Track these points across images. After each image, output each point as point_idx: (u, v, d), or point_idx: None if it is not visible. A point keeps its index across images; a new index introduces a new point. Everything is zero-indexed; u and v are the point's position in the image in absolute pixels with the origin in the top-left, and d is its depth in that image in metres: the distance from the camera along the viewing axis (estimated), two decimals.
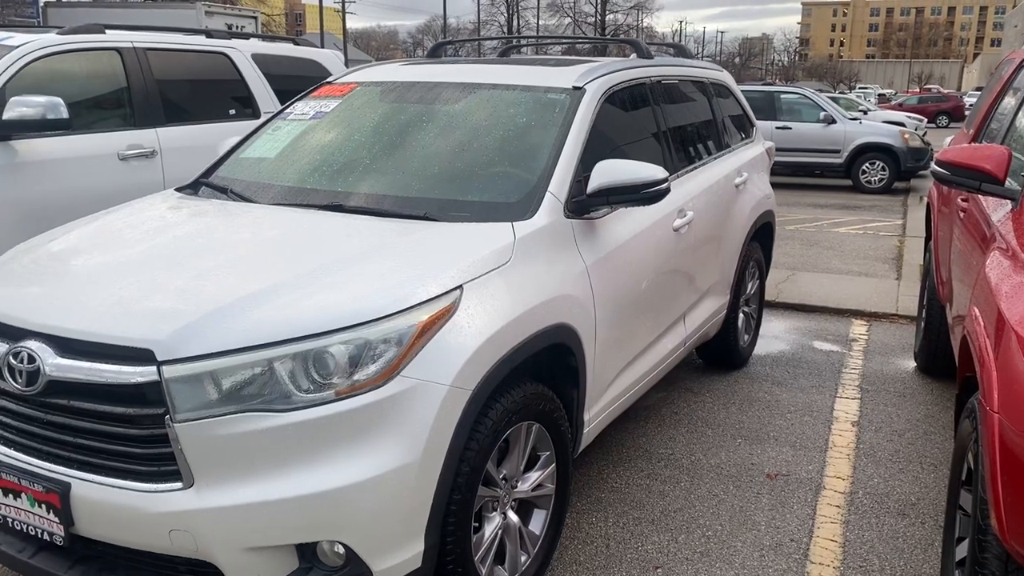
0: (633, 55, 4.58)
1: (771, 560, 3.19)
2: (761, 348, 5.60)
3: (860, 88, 60.65)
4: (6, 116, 4.75)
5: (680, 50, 5.28)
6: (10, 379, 2.37)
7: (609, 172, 3.15)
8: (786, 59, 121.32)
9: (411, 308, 2.40)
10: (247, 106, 6.45)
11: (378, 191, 3.22)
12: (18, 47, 5.05)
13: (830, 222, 11.03)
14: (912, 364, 5.36)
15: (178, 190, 3.67)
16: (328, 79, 4.19)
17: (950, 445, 4.15)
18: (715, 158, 4.66)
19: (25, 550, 2.43)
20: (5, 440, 2.45)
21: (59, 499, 2.29)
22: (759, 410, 4.59)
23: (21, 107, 4.76)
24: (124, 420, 2.26)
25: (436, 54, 4.65)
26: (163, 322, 2.29)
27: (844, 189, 14.63)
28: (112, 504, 2.26)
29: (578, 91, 3.53)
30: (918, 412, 4.59)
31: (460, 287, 2.55)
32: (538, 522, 2.97)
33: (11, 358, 2.36)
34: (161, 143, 5.67)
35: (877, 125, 15.47)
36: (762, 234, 5.28)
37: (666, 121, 4.15)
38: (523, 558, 2.90)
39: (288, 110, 4.01)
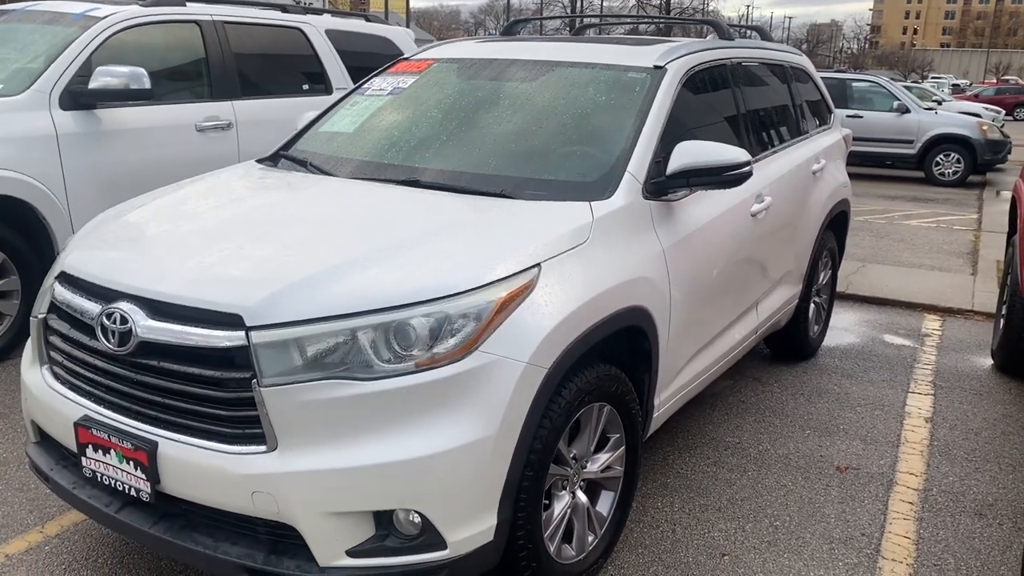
0: (712, 36, 4.50)
1: (841, 553, 3.14)
2: (830, 340, 5.49)
3: (933, 78, 58.88)
4: (92, 85, 4.87)
5: (762, 33, 5.18)
6: (103, 339, 2.44)
7: (690, 153, 3.11)
8: (855, 46, 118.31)
9: (490, 284, 2.41)
10: (319, 81, 6.52)
11: (455, 167, 3.23)
12: (104, 18, 5.18)
13: (901, 214, 10.76)
14: (989, 362, 5.21)
15: (259, 161, 3.73)
16: (405, 55, 4.21)
17: (1012, 442, 4.04)
18: (793, 143, 4.57)
19: (112, 504, 2.51)
20: (96, 398, 2.53)
21: (147, 457, 2.36)
22: (828, 402, 4.51)
23: (106, 77, 4.88)
24: (211, 383, 2.31)
25: (512, 32, 4.63)
26: (252, 289, 2.33)
27: (915, 181, 14.24)
28: (197, 464, 2.32)
29: (659, 71, 3.48)
30: (996, 411, 4.46)
31: (538, 265, 2.55)
32: (606, 503, 2.97)
33: (104, 318, 2.43)
34: (237, 116, 5.77)
35: (953, 115, 15.01)
36: (837, 223, 5.17)
37: (745, 104, 4.08)
38: (590, 538, 2.90)
39: (366, 86, 4.03)
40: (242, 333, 2.27)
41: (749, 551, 3.14)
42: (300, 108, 6.17)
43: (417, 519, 2.31)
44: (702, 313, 3.44)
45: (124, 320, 2.39)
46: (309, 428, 2.25)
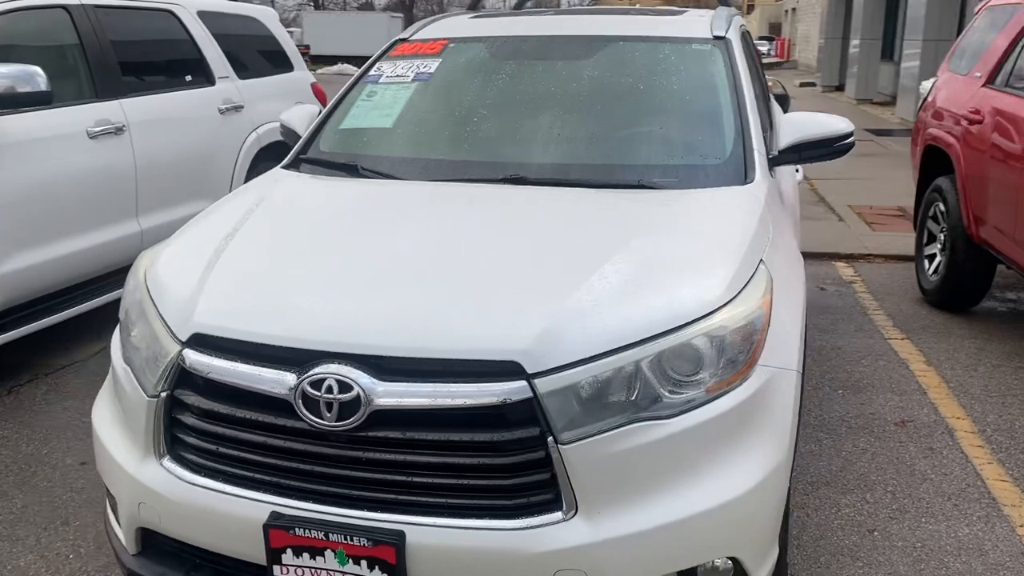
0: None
1: (967, 507, 3.20)
2: None
3: None
4: None
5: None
6: (310, 415, 1.91)
7: (800, 126, 3.00)
8: None
9: (747, 288, 2.15)
10: (200, 71, 5.70)
11: (568, 160, 2.91)
12: None
13: None
14: (922, 302, 5.58)
15: (287, 168, 3.16)
16: (401, 36, 3.72)
17: (1019, 376, 4.37)
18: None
19: None
20: (294, 490, 1.98)
21: (394, 552, 1.88)
22: (831, 358, 4.62)
23: None
24: (482, 448, 1.88)
25: (521, 5, 4.26)
26: (516, 327, 1.91)
27: None
28: (469, 549, 1.88)
29: (722, 40, 3.32)
30: (973, 346, 4.79)
31: (762, 261, 2.32)
32: None
33: (309, 388, 1.90)
34: (128, 117, 4.89)
35: None
36: None
37: (759, 69, 4.03)
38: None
39: (373, 73, 3.50)
40: (523, 383, 1.85)
41: (888, 521, 3.12)
42: (193, 104, 5.47)
43: (728, 565, 2.03)
44: None
45: (346, 387, 1.88)
46: (612, 484, 1.89)
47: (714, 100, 3.06)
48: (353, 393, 1.87)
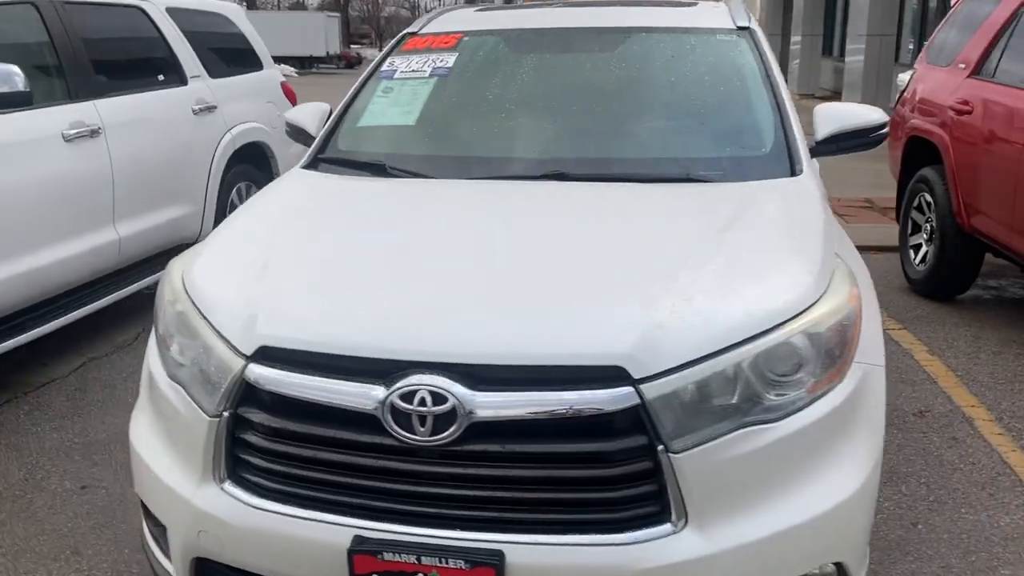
0: None
1: (1003, 496, 3.20)
2: None
3: None
4: None
5: None
6: (400, 430, 1.77)
7: (837, 117, 2.96)
8: None
9: (833, 283, 2.08)
10: (171, 70, 5.46)
11: (608, 154, 2.82)
12: None
13: None
14: (909, 292, 5.64)
15: (307, 169, 2.99)
16: (410, 31, 3.57)
17: (1021, 362, 4.43)
18: None
19: None
20: (380, 512, 1.83)
21: (494, 573, 1.76)
22: None
23: None
24: (586, 459, 1.77)
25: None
26: (617, 331, 1.80)
27: None
28: (573, 567, 1.76)
29: (746, 30, 3.27)
30: (968, 335, 4.84)
31: (837, 255, 2.25)
32: None
33: (398, 401, 1.77)
34: (103, 119, 4.64)
35: None
36: None
37: None
38: None
39: (386, 69, 3.35)
40: (629, 390, 1.75)
41: (929, 513, 3.10)
42: (167, 104, 5.22)
43: (831, 570, 1.95)
44: None
45: (440, 399, 1.75)
46: (723, 493, 1.80)
47: (751, 91, 2.99)
48: (448, 405, 1.75)
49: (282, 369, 1.88)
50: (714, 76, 3.07)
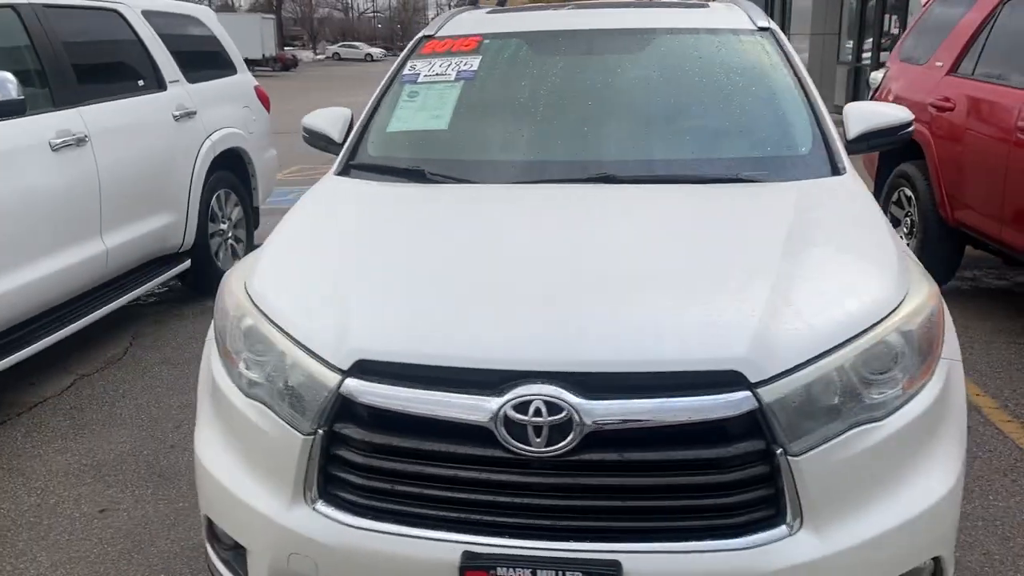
0: None
1: None
2: None
3: None
4: None
5: None
6: (514, 441, 1.73)
7: (866, 116, 3.01)
8: None
9: (915, 280, 2.12)
10: (151, 76, 5.29)
11: (654, 156, 2.80)
12: None
13: None
14: None
15: (340, 176, 2.92)
16: (426, 34, 3.51)
17: (1013, 350, 4.57)
18: None
19: None
20: (490, 527, 1.79)
21: None
22: None
23: None
24: (701, 465, 1.75)
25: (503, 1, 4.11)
26: (732, 335, 1.80)
27: None
28: (693, 574, 1.75)
29: (767, 31, 3.31)
30: (957, 325, 4.85)
31: (906, 252, 2.29)
32: None
33: (512, 413, 1.73)
34: (88, 126, 4.47)
35: None
36: None
37: None
38: None
39: (408, 73, 3.28)
40: (746, 394, 1.74)
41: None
42: (149, 111, 5.07)
43: (929, 565, 1.97)
44: None
45: (555, 409, 1.72)
46: (837, 493, 1.80)
47: (784, 90, 3.02)
48: (564, 415, 1.72)
49: (381, 383, 1.82)
50: (746, 76, 3.08)
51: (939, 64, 5.42)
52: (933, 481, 1.91)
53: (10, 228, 3.89)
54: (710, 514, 1.77)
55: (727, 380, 1.75)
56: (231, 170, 6.01)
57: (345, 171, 2.97)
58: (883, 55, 14.39)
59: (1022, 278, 5.91)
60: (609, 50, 3.24)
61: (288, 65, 49.18)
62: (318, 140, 3.27)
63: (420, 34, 3.55)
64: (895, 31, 14.78)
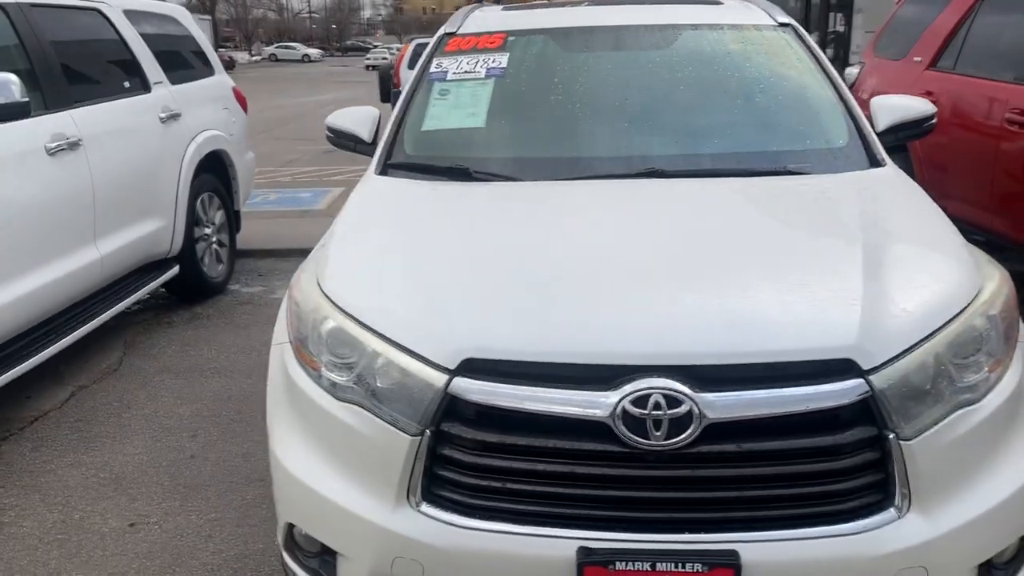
0: None
1: None
2: None
3: None
4: None
5: None
6: (633, 435, 1.73)
7: (894, 108, 3.09)
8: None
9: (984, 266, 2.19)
10: (135, 77, 5.15)
11: (699, 150, 2.83)
12: None
13: None
14: None
15: (382, 175, 2.88)
16: (450, 31, 3.48)
17: None
18: None
19: None
20: (606, 522, 1.79)
21: (733, 573, 1.75)
22: None
23: None
24: (817, 453, 1.78)
25: None
26: (841, 323, 1.83)
27: None
28: (809, 560, 1.77)
29: (788, 26, 3.37)
30: None
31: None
32: None
33: (631, 407, 1.73)
34: (81, 129, 4.33)
35: None
36: None
37: None
38: None
39: (435, 71, 3.23)
40: (859, 381, 1.77)
41: None
42: (137, 113, 4.95)
43: (1017, 544, 2.03)
44: None
45: (674, 402, 1.73)
46: (945, 475, 1.84)
47: (816, 84, 3.08)
48: (683, 408, 1.72)
49: (491, 381, 1.80)
50: (778, 70, 3.13)
51: (918, 60, 5.57)
52: (1023, 460, 1.97)
53: (10, 237, 3.75)
54: (822, 501, 1.80)
55: (839, 368, 1.77)
56: (213, 173, 5.88)
57: (384, 171, 2.93)
58: (826, 52, 14.69)
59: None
60: (638, 45, 3.26)
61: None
62: (345, 140, 3.23)
63: (441, 31, 3.52)
64: (840, 29, 15.12)
